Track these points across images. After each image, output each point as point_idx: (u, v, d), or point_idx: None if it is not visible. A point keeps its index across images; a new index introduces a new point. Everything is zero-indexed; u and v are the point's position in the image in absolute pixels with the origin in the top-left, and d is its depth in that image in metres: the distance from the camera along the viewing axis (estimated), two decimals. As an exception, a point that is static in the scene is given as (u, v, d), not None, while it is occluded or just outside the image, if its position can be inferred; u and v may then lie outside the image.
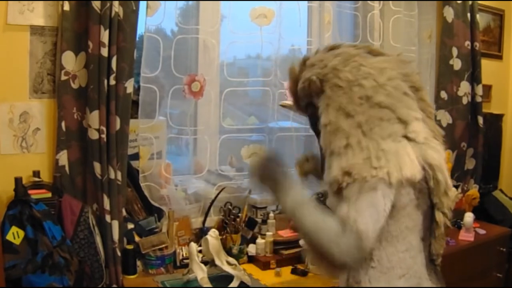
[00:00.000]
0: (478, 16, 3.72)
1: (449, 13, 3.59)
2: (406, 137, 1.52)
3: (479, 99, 3.76)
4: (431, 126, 1.63)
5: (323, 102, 1.56)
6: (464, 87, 3.70)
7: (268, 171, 1.59)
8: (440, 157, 1.58)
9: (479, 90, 3.75)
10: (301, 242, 1.58)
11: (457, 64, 3.65)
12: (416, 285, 1.59)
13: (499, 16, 4.20)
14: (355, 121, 1.50)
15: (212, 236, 2.34)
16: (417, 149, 1.53)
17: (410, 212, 1.55)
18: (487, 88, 4.05)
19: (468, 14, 3.65)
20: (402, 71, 1.61)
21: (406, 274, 1.57)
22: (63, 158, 2.34)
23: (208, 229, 2.53)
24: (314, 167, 1.91)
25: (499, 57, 4.27)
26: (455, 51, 3.64)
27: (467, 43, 3.68)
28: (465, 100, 3.71)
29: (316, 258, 1.51)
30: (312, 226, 1.47)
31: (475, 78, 3.74)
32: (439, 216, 1.60)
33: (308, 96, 1.65)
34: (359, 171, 1.45)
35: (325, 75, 1.58)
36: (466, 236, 3.14)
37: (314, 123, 1.67)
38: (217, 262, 2.32)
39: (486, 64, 3.87)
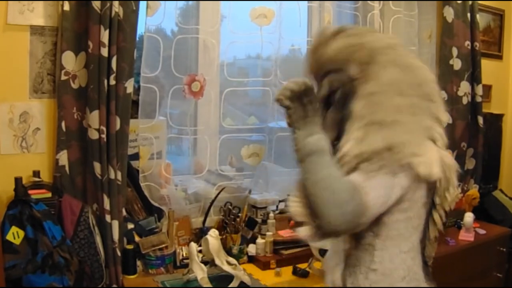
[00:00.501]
0: (478, 16, 3.72)
1: (449, 13, 3.59)
2: (431, 137, 1.52)
3: (479, 99, 3.76)
4: (445, 136, 1.62)
5: (372, 72, 1.50)
6: (464, 87, 3.70)
7: (302, 98, 1.49)
8: (454, 165, 1.58)
9: (479, 90, 3.75)
10: (297, 189, 1.46)
11: (457, 64, 3.65)
12: (417, 285, 1.58)
13: (499, 16, 4.20)
14: (406, 101, 1.47)
15: (212, 236, 2.34)
16: (437, 150, 1.52)
17: (419, 211, 1.53)
18: (487, 88, 4.05)
19: (468, 14, 3.65)
20: (435, 79, 1.63)
21: (407, 276, 1.54)
22: (63, 158, 2.34)
23: (208, 229, 2.53)
24: None
25: (499, 57, 4.26)
26: (455, 51, 3.64)
27: (467, 43, 3.68)
28: (465, 100, 3.70)
29: (310, 212, 1.41)
30: (322, 178, 1.39)
31: (475, 78, 3.74)
32: (437, 217, 1.59)
33: (343, 62, 1.55)
34: (403, 152, 1.41)
35: (381, 48, 1.54)
36: (466, 236, 3.14)
37: (333, 92, 1.58)
38: (217, 262, 2.32)
39: (486, 64, 3.87)
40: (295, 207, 1.44)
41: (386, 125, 1.44)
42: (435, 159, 1.48)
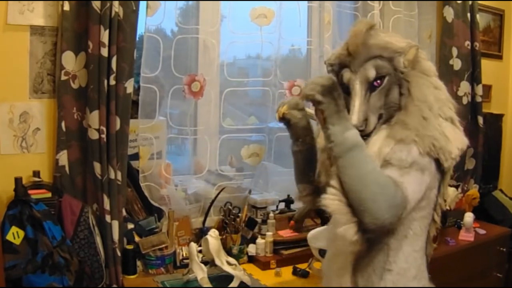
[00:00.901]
0: (478, 16, 3.72)
1: (449, 13, 3.59)
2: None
3: (479, 99, 3.76)
4: None
5: (415, 76, 1.59)
6: (464, 87, 3.70)
7: (333, 93, 1.48)
8: None
9: (479, 90, 3.75)
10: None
11: (457, 64, 3.65)
12: (425, 285, 1.58)
13: (499, 16, 4.20)
14: (440, 97, 1.60)
15: (212, 236, 2.34)
16: None
17: (430, 210, 1.59)
18: (487, 88, 4.05)
19: (468, 14, 3.65)
20: None
21: (418, 274, 1.55)
22: (63, 158, 2.34)
23: (208, 229, 2.53)
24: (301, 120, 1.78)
25: (499, 57, 4.27)
26: (455, 51, 3.64)
27: (467, 43, 3.68)
28: (465, 100, 3.70)
29: (347, 208, 1.41)
30: (371, 171, 1.41)
31: (475, 78, 3.74)
32: (436, 217, 1.62)
33: (396, 52, 1.59)
34: (450, 148, 1.51)
35: (421, 53, 1.65)
36: (466, 236, 3.14)
37: (380, 78, 1.59)
38: (217, 262, 2.32)
39: (486, 64, 3.87)
40: (335, 205, 1.43)
41: (440, 124, 1.55)
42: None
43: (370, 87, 1.59)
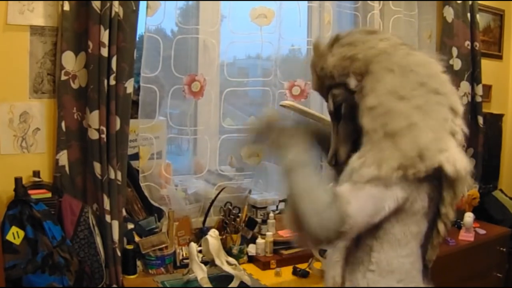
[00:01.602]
0: (478, 16, 3.72)
1: (449, 13, 3.59)
2: (450, 130, 1.48)
3: (479, 99, 3.76)
4: (465, 128, 1.56)
5: (368, 84, 1.47)
6: (464, 87, 3.70)
7: (273, 132, 1.54)
8: (467, 166, 1.52)
9: (479, 90, 3.75)
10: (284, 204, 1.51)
11: (457, 64, 3.65)
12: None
13: (499, 16, 4.20)
14: (412, 104, 1.43)
15: (212, 236, 2.34)
16: (455, 146, 1.48)
17: (419, 220, 1.51)
18: (487, 88, 4.05)
19: (468, 14, 3.65)
20: (443, 70, 1.57)
21: (405, 279, 1.54)
22: (63, 158, 2.34)
23: (208, 229, 2.53)
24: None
25: (499, 57, 4.26)
26: (455, 51, 3.64)
27: (467, 43, 3.68)
28: (465, 100, 3.70)
29: (293, 223, 1.43)
30: (303, 189, 1.41)
31: (475, 78, 3.74)
32: (441, 227, 1.56)
33: (341, 75, 1.53)
34: (432, 154, 1.39)
35: (374, 56, 1.50)
36: (466, 236, 3.14)
37: (338, 107, 1.58)
38: (217, 262, 2.32)
39: (486, 64, 3.87)
40: (287, 221, 1.45)
41: (405, 133, 1.41)
42: (457, 152, 1.45)
43: (337, 117, 1.60)
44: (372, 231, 1.51)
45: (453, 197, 1.52)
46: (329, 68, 1.55)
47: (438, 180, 1.49)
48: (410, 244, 1.53)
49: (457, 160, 1.43)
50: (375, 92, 1.46)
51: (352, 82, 1.51)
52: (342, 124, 1.60)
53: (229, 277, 2.30)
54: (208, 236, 2.33)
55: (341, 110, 1.58)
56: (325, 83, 1.60)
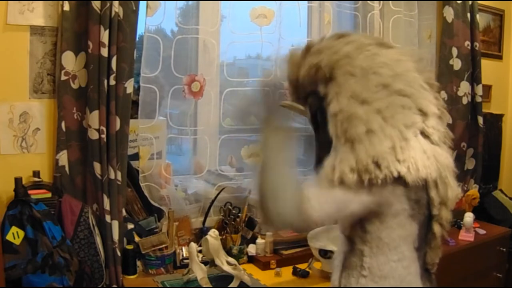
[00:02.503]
0: (478, 16, 3.72)
1: (449, 13, 3.59)
2: (422, 132, 1.47)
3: (479, 99, 3.76)
4: (442, 127, 1.57)
5: (332, 90, 1.47)
6: (464, 87, 3.70)
7: (267, 102, 1.65)
8: (450, 165, 1.53)
9: (479, 90, 3.75)
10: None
11: (457, 64, 3.65)
12: None
13: (499, 16, 4.20)
14: (372, 108, 1.42)
15: (212, 236, 2.34)
16: (431, 148, 1.47)
17: (403, 222, 1.48)
18: (487, 88, 4.05)
19: (468, 14, 3.65)
20: (417, 66, 1.55)
21: (400, 284, 1.53)
22: (63, 158, 2.34)
23: (208, 229, 2.53)
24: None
25: (499, 57, 4.26)
26: (455, 51, 3.64)
27: (467, 43, 3.68)
28: (465, 100, 3.71)
29: (260, 203, 1.47)
30: (272, 178, 1.45)
31: (475, 78, 3.74)
32: (436, 228, 1.54)
33: (312, 84, 1.55)
34: (388, 163, 1.38)
35: (336, 61, 1.49)
36: (466, 236, 3.15)
37: (315, 115, 1.60)
38: (217, 262, 2.32)
39: (486, 64, 3.87)
40: (254, 195, 1.50)
41: (362, 140, 1.40)
42: (425, 158, 1.44)
43: (316, 125, 1.62)
44: (361, 236, 1.52)
45: (441, 197, 1.51)
46: (301, 78, 1.58)
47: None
48: (400, 247, 1.51)
49: (421, 167, 1.42)
50: (337, 98, 1.46)
51: (321, 90, 1.52)
52: (320, 132, 1.60)
53: (229, 277, 2.30)
54: (208, 236, 2.33)
55: (317, 118, 1.59)
56: (301, 93, 1.63)
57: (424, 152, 1.44)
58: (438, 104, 1.56)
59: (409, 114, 1.45)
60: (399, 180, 1.41)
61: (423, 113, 1.49)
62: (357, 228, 1.51)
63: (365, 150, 1.39)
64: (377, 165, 1.38)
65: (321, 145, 1.61)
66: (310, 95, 1.59)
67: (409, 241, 1.52)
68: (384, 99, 1.44)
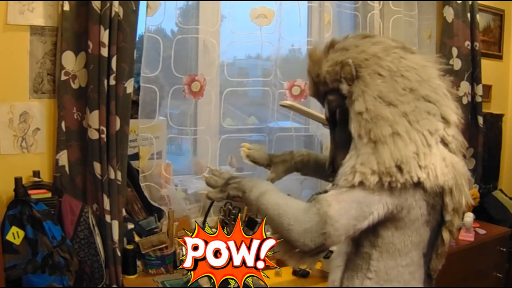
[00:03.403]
0: (478, 16, 3.72)
1: (449, 13, 3.58)
2: (442, 139, 1.46)
3: (479, 99, 3.76)
4: (460, 136, 1.55)
5: (357, 89, 1.46)
6: (464, 87, 3.70)
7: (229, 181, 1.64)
8: (466, 173, 1.52)
9: (479, 90, 3.74)
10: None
11: (457, 64, 3.65)
12: None
13: (499, 16, 4.20)
14: (399, 110, 1.41)
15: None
16: (449, 156, 1.46)
17: (419, 227, 1.48)
18: (487, 88, 4.04)
19: (468, 14, 3.65)
20: (440, 73, 1.56)
21: None
22: (63, 158, 2.34)
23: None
24: (262, 156, 1.91)
25: (499, 57, 4.26)
26: (455, 51, 3.63)
27: (467, 43, 3.67)
28: (465, 100, 3.70)
29: (282, 244, 1.45)
30: (275, 207, 1.44)
31: (475, 78, 3.74)
32: (446, 235, 1.54)
33: (334, 81, 1.52)
34: (410, 168, 1.37)
35: (364, 60, 1.47)
36: (466, 236, 3.14)
37: (334, 112, 1.58)
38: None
39: (486, 64, 3.86)
40: (278, 249, 1.47)
41: (386, 142, 1.39)
42: (443, 166, 1.43)
43: (333, 123, 1.61)
44: (371, 240, 1.50)
45: (455, 204, 1.49)
46: (323, 74, 1.55)
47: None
48: (410, 253, 1.50)
49: (440, 174, 1.41)
50: (363, 97, 1.45)
51: (344, 88, 1.50)
52: (338, 131, 1.60)
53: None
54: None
55: (336, 116, 1.58)
56: (321, 89, 1.60)
57: (443, 160, 1.44)
58: (458, 113, 1.55)
59: (434, 120, 1.45)
60: (418, 185, 1.40)
61: (446, 121, 1.48)
62: (368, 232, 1.48)
63: (390, 153, 1.38)
64: (400, 169, 1.37)
65: (337, 144, 1.61)
66: (330, 92, 1.57)
67: (420, 247, 1.52)
68: (411, 103, 1.43)
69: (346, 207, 1.38)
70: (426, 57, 1.58)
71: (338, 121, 1.57)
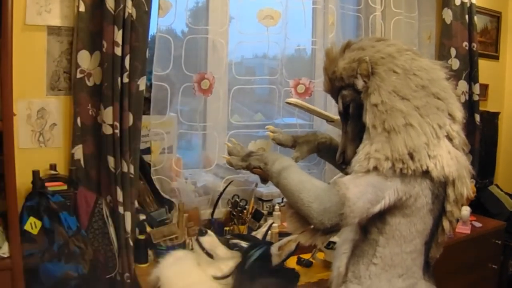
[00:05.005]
0: (475, 18, 3.69)
1: (448, 15, 3.56)
2: (447, 135, 1.51)
3: (476, 98, 3.73)
4: (463, 134, 1.60)
5: (374, 83, 1.50)
6: (462, 86, 3.67)
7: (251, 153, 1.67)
8: (468, 167, 1.60)
9: (476, 89, 3.72)
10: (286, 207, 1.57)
11: (455, 64, 3.62)
12: (412, 285, 1.57)
13: (496, 18, 4.17)
14: (411, 104, 1.46)
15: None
16: (453, 150, 1.52)
17: (424, 216, 1.52)
18: (484, 87, 4.01)
19: (466, 16, 3.62)
20: (447, 76, 1.59)
21: (405, 274, 1.55)
22: (78, 152, 2.34)
23: (216, 221, 2.53)
24: (286, 138, 1.92)
25: (496, 58, 4.23)
26: (453, 52, 3.61)
27: (465, 43, 3.65)
28: (462, 99, 3.68)
29: (297, 220, 1.49)
30: (297, 183, 1.45)
31: (472, 78, 3.71)
32: (446, 224, 1.58)
33: (350, 76, 1.56)
34: (420, 157, 1.42)
35: (380, 59, 1.53)
36: (462, 229, 3.12)
37: (347, 106, 1.61)
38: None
39: (483, 64, 3.83)
40: (290, 225, 1.51)
41: (400, 131, 1.44)
42: (449, 158, 1.48)
43: (346, 117, 1.64)
44: (379, 227, 1.53)
45: (457, 195, 1.54)
46: (339, 71, 1.59)
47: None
48: (414, 241, 1.54)
49: (445, 165, 1.46)
50: (379, 91, 1.49)
51: (360, 83, 1.54)
52: (350, 124, 1.63)
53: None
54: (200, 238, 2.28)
55: (349, 110, 1.61)
56: (336, 85, 1.63)
57: (449, 153, 1.49)
58: (463, 112, 1.60)
59: (442, 116, 1.50)
60: (426, 174, 1.45)
61: (452, 118, 1.53)
62: (376, 219, 1.52)
63: (403, 141, 1.42)
64: (411, 157, 1.42)
65: (349, 136, 1.64)
66: (344, 88, 1.60)
67: (424, 235, 1.55)
68: (422, 99, 1.48)
69: (362, 190, 1.42)
70: (433, 61, 1.63)
71: (351, 115, 1.61)
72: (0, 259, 1.88)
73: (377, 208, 1.45)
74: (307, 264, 2.48)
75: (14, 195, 1.91)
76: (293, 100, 2.10)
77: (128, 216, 2.34)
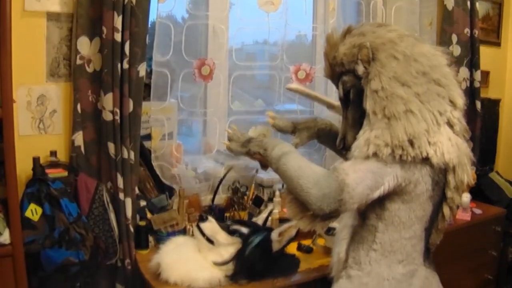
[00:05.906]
0: (477, 4, 3.67)
1: (449, 1, 3.53)
2: (448, 121, 1.51)
3: (477, 85, 3.71)
4: (463, 121, 1.60)
5: (374, 69, 1.50)
6: (463, 73, 3.66)
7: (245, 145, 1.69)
8: (469, 154, 1.60)
9: (478, 76, 3.70)
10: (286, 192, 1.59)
11: (456, 50, 3.60)
12: (412, 271, 1.57)
13: (498, 4, 4.14)
14: (412, 91, 1.46)
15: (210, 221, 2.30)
16: (454, 137, 1.52)
17: (423, 202, 1.52)
18: (485, 74, 4.00)
19: (468, 2, 3.59)
20: (448, 63, 1.59)
21: (405, 260, 1.55)
22: (78, 138, 2.34)
23: (216, 207, 2.53)
24: (286, 124, 1.92)
25: (497, 44, 4.21)
26: (454, 38, 3.59)
27: (467, 30, 3.63)
28: (463, 86, 3.66)
29: (296, 206, 1.50)
30: (296, 169, 1.46)
31: (473, 64, 3.69)
32: (446, 211, 1.59)
33: (351, 62, 1.56)
34: (420, 144, 1.42)
35: (381, 45, 1.52)
36: (463, 216, 3.13)
37: (347, 92, 1.61)
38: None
39: (485, 51, 3.81)
40: (290, 211, 1.54)
41: (400, 118, 1.43)
42: (450, 145, 1.48)
43: (346, 103, 1.64)
44: (378, 213, 1.53)
45: (457, 181, 1.55)
46: (340, 56, 1.58)
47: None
48: (414, 227, 1.54)
49: (446, 152, 1.46)
50: (379, 77, 1.48)
51: (360, 69, 1.54)
52: (350, 110, 1.63)
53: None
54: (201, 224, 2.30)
55: (349, 96, 1.61)
56: (336, 71, 1.63)
57: (449, 140, 1.49)
58: (464, 99, 1.59)
59: (443, 102, 1.50)
60: (426, 161, 1.45)
61: (453, 104, 1.53)
62: (375, 205, 1.53)
63: (403, 128, 1.42)
64: (411, 143, 1.42)
65: (349, 122, 1.64)
66: (345, 73, 1.60)
67: (423, 221, 1.56)
68: (423, 85, 1.48)
69: (362, 176, 1.42)
70: (434, 47, 1.62)
71: (351, 101, 1.61)
72: (1, 246, 1.88)
73: (376, 194, 1.46)
74: (308, 250, 2.49)
75: (15, 182, 1.91)
76: (294, 86, 2.10)
77: (128, 202, 2.34)
